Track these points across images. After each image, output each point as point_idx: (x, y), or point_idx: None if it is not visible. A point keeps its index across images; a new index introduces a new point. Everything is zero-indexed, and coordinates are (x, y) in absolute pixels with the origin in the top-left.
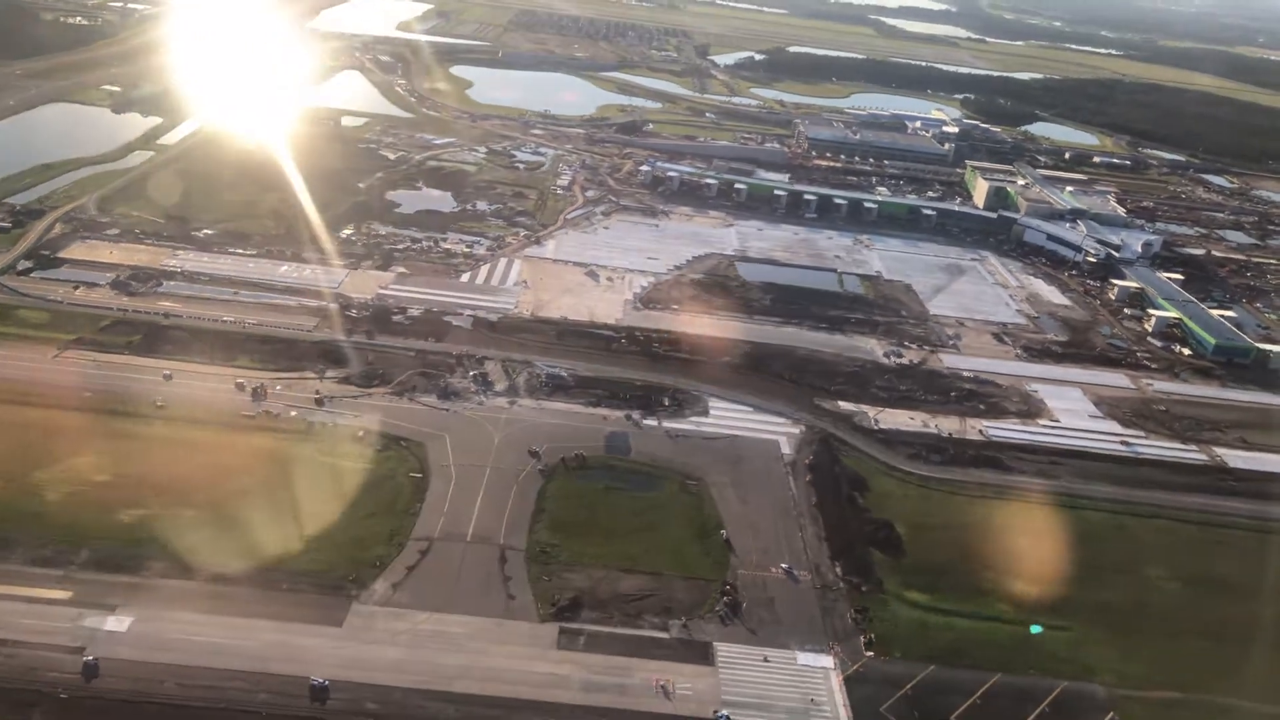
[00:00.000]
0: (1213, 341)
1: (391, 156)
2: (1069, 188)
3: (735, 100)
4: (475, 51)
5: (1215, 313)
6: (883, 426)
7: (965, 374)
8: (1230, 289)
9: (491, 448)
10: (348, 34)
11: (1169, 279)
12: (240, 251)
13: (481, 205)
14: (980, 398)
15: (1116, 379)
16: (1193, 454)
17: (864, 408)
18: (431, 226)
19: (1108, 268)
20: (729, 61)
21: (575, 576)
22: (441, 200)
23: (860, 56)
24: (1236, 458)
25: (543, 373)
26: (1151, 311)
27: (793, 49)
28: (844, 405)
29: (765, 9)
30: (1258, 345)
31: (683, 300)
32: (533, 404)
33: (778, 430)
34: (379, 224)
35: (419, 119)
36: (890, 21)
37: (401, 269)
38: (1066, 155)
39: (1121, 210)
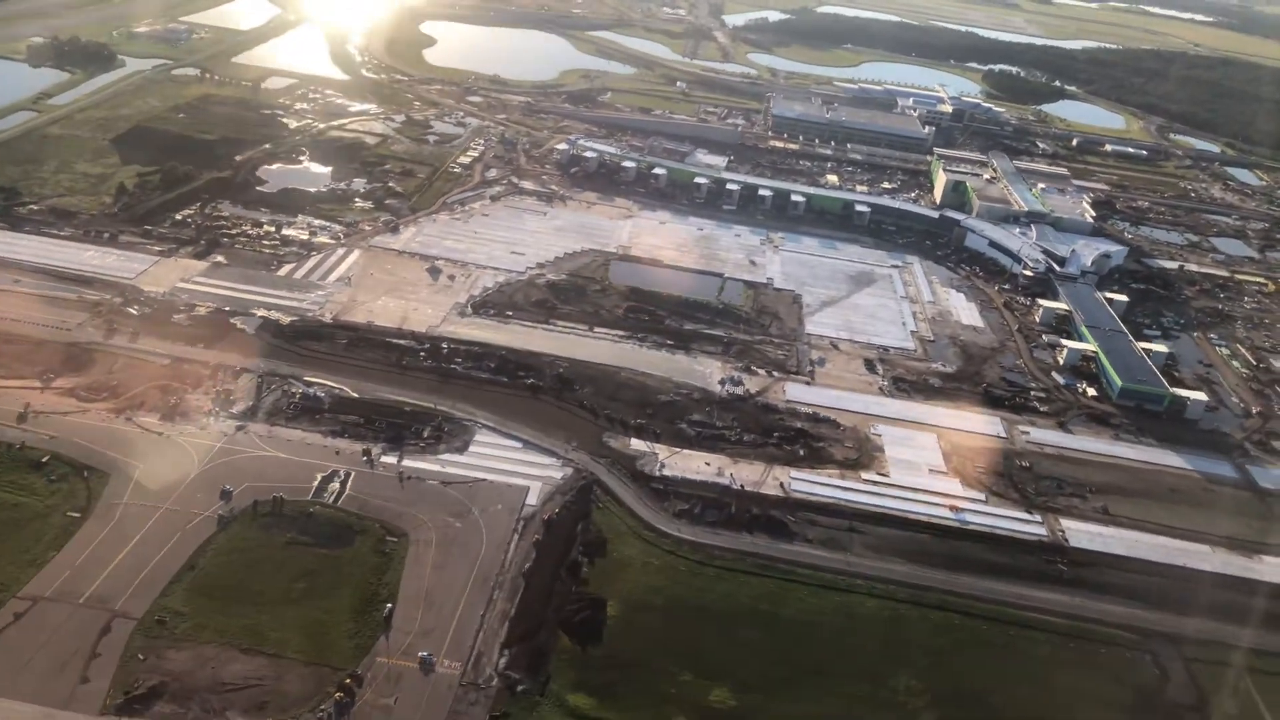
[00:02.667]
0: (1119, 383)
1: (293, 125)
2: (1040, 184)
3: (721, 67)
4: (462, 5)
5: (1147, 346)
6: (667, 473)
7: (804, 409)
8: (1190, 314)
9: (183, 483)
10: None
11: (1109, 300)
12: (55, 232)
13: (359, 183)
14: (807, 440)
15: (989, 424)
16: (1032, 527)
17: (658, 448)
18: (285, 208)
19: (1046, 283)
20: (739, 22)
21: (178, 656)
22: (317, 177)
23: (894, 19)
24: (1084, 534)
25: (299, 392)
26: (1065, 343)
27: (822, 9)
28: (635, 444)
29: None
30: (1173, 391)
31: (523, 306)
32: (264, 430)
33: (537, 474)
34: (230, 204)
35: (354, 82)
36: None
37: (220, 258)
38: (1074, 141)
39: (1090, 213)
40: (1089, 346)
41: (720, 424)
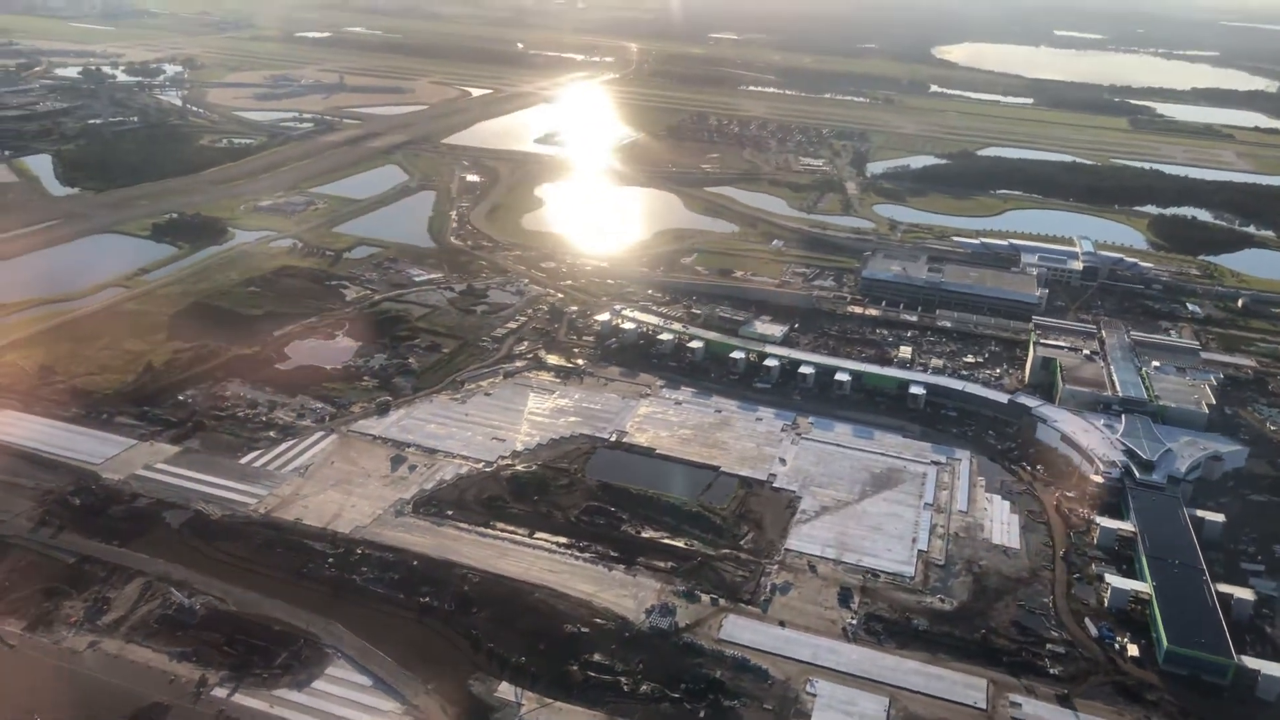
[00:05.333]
0: (1165, 643)
1: (350, 297)
2: (1154, 362)
3: (836, 221)
4: (582, 168)
5: (1230, 590)
6: None
7: (734, 653)
8: None
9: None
10: (475, 148)
11: (1201, 520)
12: (61, 412)
13: (377, 360)
14: (717, 697)
15: (968, 688)
16: None
17: (528, 698)
18: (289, 388)
19: (1120, 493)
20: (879, 169)
21: None
22: (341, 353)
23: (1066, 159)
24: None
25: (176, 603)
26: (1111, 579)
27: (985, 152)
28: (503, 690)
29: (1012, 98)
30: (1239, 660)
31: (469, 505)
32: (116, 648)
33: None
34: (240, 382)
35: (436, 250)
36: (1163, 109)
37: (194, 443)
38: (1240, 301)
39: (1208, 400)
40: (1144, 586)
41: (621, 668)
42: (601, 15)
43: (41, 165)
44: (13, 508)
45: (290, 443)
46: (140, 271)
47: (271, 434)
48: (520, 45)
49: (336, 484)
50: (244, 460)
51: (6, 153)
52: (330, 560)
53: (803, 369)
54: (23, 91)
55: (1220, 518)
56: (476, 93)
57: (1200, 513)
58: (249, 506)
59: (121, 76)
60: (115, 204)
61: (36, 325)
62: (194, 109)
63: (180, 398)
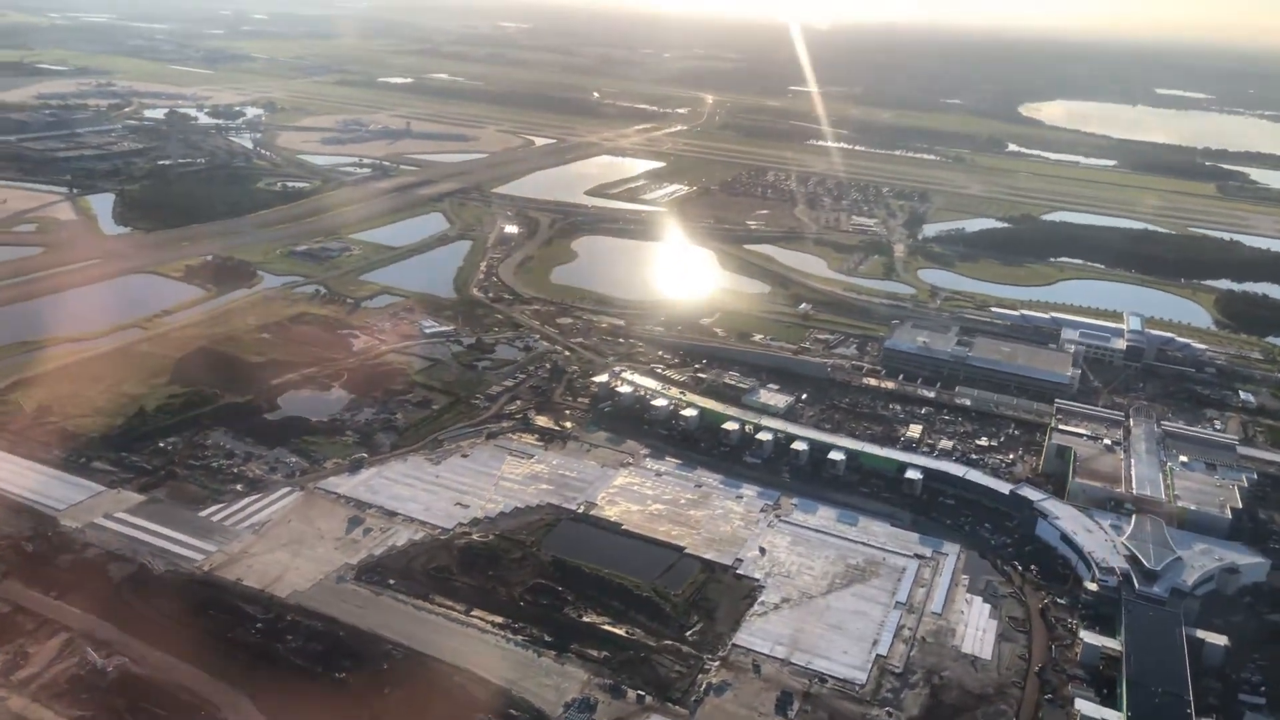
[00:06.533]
0: None
1: (358, 346)
2: (1183, 458)
3: (873, 285)
4: (624, 220)
5: None
6: None
7: None
8: None
9: None
10: (522, 197)
11: (1200, 642)
12: (43, 455)
13: (364, 414)
14: None
15: None
16: None
17: None
18: (269, 439)
19: (1116, 603)
20: (933, 231)
21: None
22: (332, 405)
23: (1137, 227)
24: None
25: (91, 663)
26: (1082, 706)
27: (1050, 216)
28: None
29: (1093, 160)
30: None
31: (415, 574)
32: (21, 705)
33: None
34: (224, 432)
35: (456, 301)
36: (1258, 175)
37: (159, 493)
38: None
39: (1234, 503)
40: (1116, 717)
41: None
42: (684, 65)
43: (103, 204)
44: None
45: (254, 497)
46: (163, 313)
47: (239, 487)
48: (596, 95)
49: (288, 544)
50: (204, 513)
51: (75, 191)
52: (259, 626)
53: (796, 445)
54: (105, 131)
55: (1223, 640)
56: (540, 142)
57: (1201, 633)
58: (195, 563)
59: (203, 119)
60: (159, 244)
61: (48, 364)
62: (263, 152)
63: (161, 444)
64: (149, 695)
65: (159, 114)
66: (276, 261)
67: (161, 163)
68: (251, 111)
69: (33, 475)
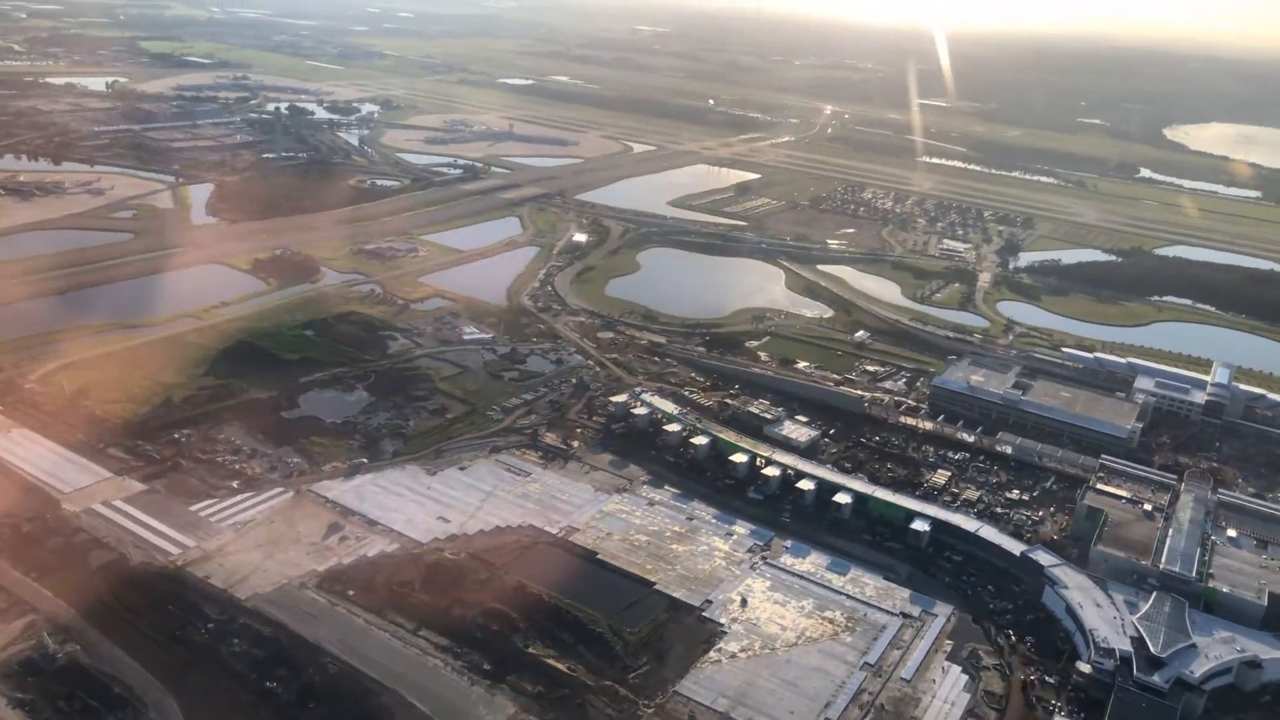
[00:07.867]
0: None
1: (394, 348)
2: (1231, 531)
3: (942, 315)
4: (698, 234)
5: None
6: None
7: None
8: None
9: None
10: (602, 205)
11: None
12: (68, 436)
13: (379, 419)
14: None
15: None
16: None
17: None
18: (278, 438)
19: (1108, 690)
20: (1027, 261)
21: None
22: (349, 407)
23: (1265, 267)
24: None
25: (46, 649)
26: None
27: (1167, 251)
28: None
29: (1235, 190)
30: None
31: (377, 588)
32: None
33: None
34: (238, 426)
35: (503, 309)
36: None
37: (159, 485)
38: None
39: (1273, 591)
40: None
41: None
42: (812, 75)
43: (201, 194)
44: None
45: (246, 495)
46: (220, 304)
47: (234, 484)
48: (711, 101)
49: (263, 545)
50: (194, 508)
51: (180, 180)
52: (209, 626)
53: (802, 483)
54: (224, 123)
55: None
56: (638, 148)
57: None
58: (171, 556)
59: (320, 113)
60: (239, 236)
61: (99, 348)
62: (365, 149)
63: (175, 435)
64: (86, 685)
65: (281, 108)
66: (342, 258)
67: (265, 156)
68: (367, 108)
69: (52, 457)
